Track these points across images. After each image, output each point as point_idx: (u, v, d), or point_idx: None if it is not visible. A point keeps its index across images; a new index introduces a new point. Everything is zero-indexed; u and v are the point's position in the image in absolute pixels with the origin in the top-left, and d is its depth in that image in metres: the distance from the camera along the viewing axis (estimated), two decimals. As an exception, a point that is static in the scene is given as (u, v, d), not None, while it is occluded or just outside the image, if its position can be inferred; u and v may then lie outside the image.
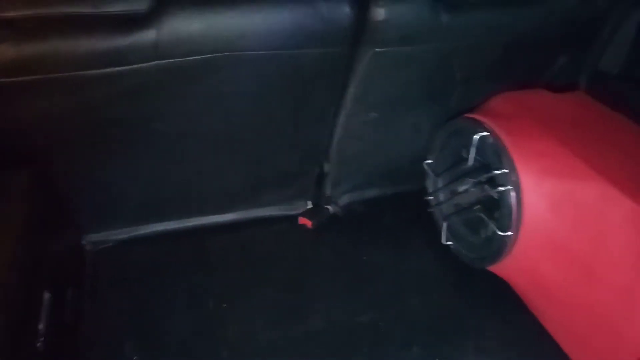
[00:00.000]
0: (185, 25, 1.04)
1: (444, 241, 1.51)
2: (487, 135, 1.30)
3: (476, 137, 1.31)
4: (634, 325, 1.08)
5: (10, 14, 0.95)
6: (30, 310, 0.93)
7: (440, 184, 1.55)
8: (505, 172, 1.24)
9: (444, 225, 1.51)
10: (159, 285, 1.39)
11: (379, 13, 1.13)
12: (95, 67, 1.03)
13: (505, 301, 1.40)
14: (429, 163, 1.56)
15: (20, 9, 0.96)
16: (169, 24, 1.02)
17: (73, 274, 1.31)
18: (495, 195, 1.30)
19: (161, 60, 1.06)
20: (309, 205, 1.67)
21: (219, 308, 1.36)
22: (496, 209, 1.31)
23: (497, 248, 1.31)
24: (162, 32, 1.02)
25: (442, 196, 1.55)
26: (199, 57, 1.07)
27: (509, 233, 1.26)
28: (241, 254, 1.52)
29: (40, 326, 0.94)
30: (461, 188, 1.46)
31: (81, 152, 1.23)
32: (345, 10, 1.10)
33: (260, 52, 1.10)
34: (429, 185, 1.60)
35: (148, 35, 1.01)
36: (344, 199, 1.71)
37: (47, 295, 0.99)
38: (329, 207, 1.69)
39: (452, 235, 1.51)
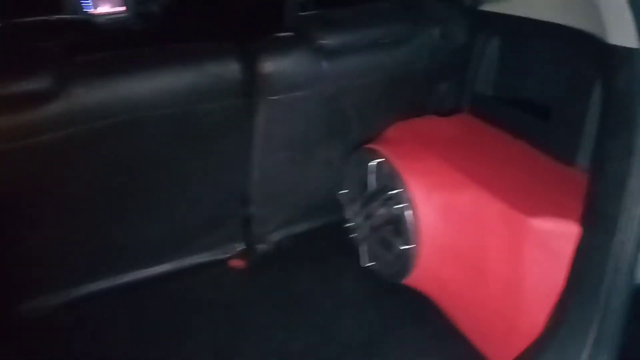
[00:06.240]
0: (91, 95, 1.17)
1: (362, 263, 1.63)
2: (381, 161, 1.46)
3: (372, 163, 1.46)
4: (521, 313, 1.21)
5: None
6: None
7: (355, 210, 1.69)
8: (400, 192, 1.39)
9: (363, 248, 1.64)
10: (94, 343, 1.44)
11: (265, 66, 1.29)
12: (11, 141, 1.13)
13: (424, 310, 1.51)
14: (343, 193, 1.70)
15: None
16: (75, 95, 1.15)
17: (8, 339, 1.36)
18: (399, 213, 1.44)
19: (72, 127, 1.17)
20: (241, 246, 1.77)
21: (156, 357, 1.42)
22: (401, 227, 1.45)
23: (405, 261, 1.44)
24: (70, 102, 1.15)
25: (358, 221, 1.68)
26: (106, 121, 1.20)
27: (412, 246, 1.39)
28: (176, 304, 1.59)
29: None
30: (372, 211, 1.60)
31: (5, 222, 1.31)
32: (234, 66, 1.26)
33: (161, 112, 1.24)
34: (347, 213, 1.73)
35: (56, 108, 1.13)
36: (274, 236, 1.82)
37: None
38: (260, 246, 1.80)
39: (372, 256, 1.64)
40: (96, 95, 1.17)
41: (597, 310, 1.00)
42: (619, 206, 1.00)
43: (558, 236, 1.13)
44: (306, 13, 1.41)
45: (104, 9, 3.03)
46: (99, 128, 1.20)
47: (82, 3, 3.02)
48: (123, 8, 3.07)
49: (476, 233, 1.28)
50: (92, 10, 3.05)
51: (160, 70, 1.22)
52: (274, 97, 1.35)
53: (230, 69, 1.26)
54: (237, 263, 1.73)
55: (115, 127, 1.22)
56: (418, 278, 1.47)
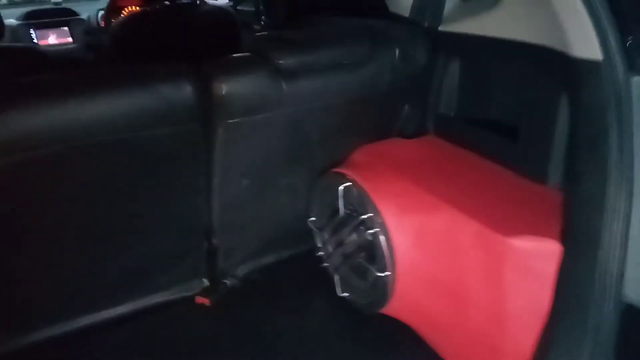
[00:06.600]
0: (29, 121, 1.06)
1: (339, 293, 1.55)
2: (350, 185, 1.39)
3: (341, 188, 1.40)
4: (505, 338, 1.14)
5: None
6: None
7: (325, 238, 1.61)
8: (371, 216, 1.32)
9: (336, 277, 1.55)
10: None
11: (221, 88, 1.21)
12: None
13: (403, 340, 1.43)
14: (312, 220, 1.62)
15: None
16: (12, 120, 1.04)
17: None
18: (371, 239, 1.37)
19: (11, 156, 1.06)
20: (205, 282, 1.66)
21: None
22: (375, 253, 1.38)
23: (382, 290, 1.36)
24: (7, 128, 1.03)
25: (330, 249, 1.60)
26: (47, 150, 1.09)
27: (387, 273, 1.32)
28: (137, 348, 1.45)
29: None
30: (343, 238, 1.53)
31: None
32: (187, 89, 1.18)
33: (109, 138, 1.14)
34: (318, 241, 1.65)
35: None
36: (241, 270, 1.71)
37: None
38: (226, 281, 1.68)
39: (345, 285, 1.55)
40: (36, 120, 1.06)
41: (586, 333, 0.95)
42: (599, 222, 0.96)
43: (539, 256, 1.07)
44: (263, 33, 1.35)
45: (51, 39, 2.93)
46: (41, 156, 1.09)
47: (29, 33, 2.91)
48: (70, 40, 2.98)
49: (453, 256, 1.21)
50: (39, 41, 2.93)
51: (107, 92, 1.12)
52: (231, 121, 1.27)
53: (184, 91, 1.18)
54: (202, 300, 1.61)
55: (59, 155, 1.11)
56: (396, 306, 1.38)
